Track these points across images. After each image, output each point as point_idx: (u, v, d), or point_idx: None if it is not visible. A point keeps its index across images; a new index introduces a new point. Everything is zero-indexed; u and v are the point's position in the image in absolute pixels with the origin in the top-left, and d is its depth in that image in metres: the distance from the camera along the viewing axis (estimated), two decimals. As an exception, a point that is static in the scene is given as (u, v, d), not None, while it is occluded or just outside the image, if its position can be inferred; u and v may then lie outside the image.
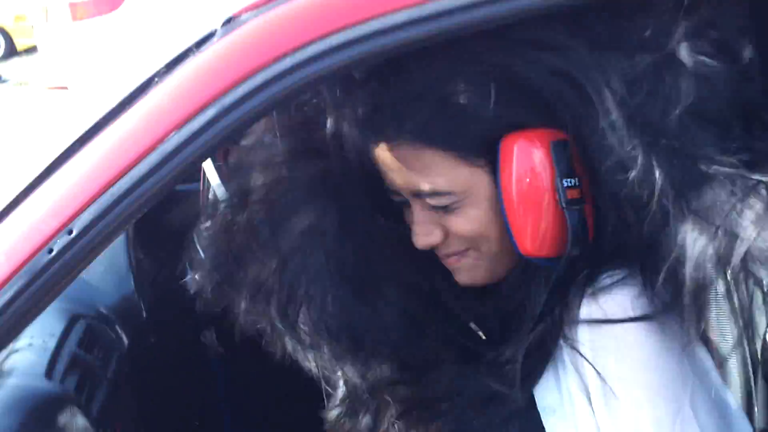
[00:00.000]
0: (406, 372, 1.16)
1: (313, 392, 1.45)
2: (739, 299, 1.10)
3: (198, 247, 2.06)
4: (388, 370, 1.16)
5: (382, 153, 1.06)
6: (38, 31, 5.84)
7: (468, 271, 1.10)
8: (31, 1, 6.50)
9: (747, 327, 1.14)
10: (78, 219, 0.96)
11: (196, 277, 1.20)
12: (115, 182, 0.96)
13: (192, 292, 1.21)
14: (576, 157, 0.99)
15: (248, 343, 2.29)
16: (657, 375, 0.96)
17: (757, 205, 0.89)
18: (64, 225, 0.96)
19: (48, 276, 0.96)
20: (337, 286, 1.12)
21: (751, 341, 1.18)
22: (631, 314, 0.95)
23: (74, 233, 0.96)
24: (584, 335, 0.96)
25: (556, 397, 1.02)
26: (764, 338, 1.16)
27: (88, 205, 0.96)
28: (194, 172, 2.76)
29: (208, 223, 2.10)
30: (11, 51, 13.15)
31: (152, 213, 2.32)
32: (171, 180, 0.97)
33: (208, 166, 1.93)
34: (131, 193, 0.96)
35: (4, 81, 8.84)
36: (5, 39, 13.26)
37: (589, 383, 0.97)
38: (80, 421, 1.52)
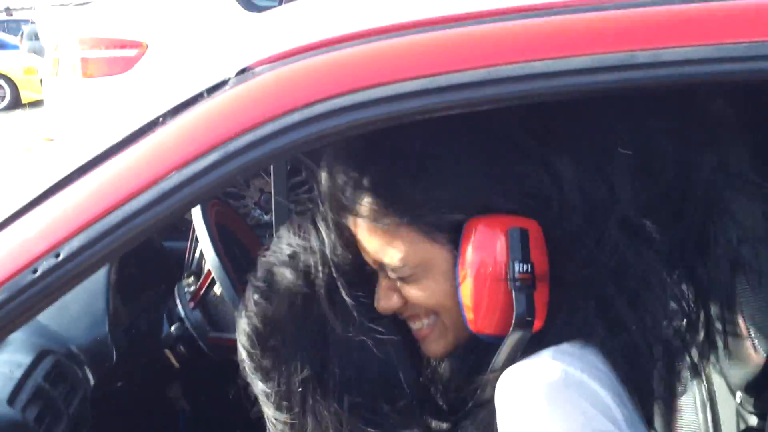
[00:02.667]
0: None
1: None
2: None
3: (179, 301, 2.07)
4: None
5: (354, 223, 1.10)
6: (46, 84, 5.86)
7: (435, 341, 1.13)
8: (45, 54, 6.56)
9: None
10: (67, 244, 0.97)
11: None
12: (110, 213, 0.97)
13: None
14: (536, 243, 1.02)
15: (214, 401, 2.27)
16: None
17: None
18: (53, 248, 0.97)
19: (29, 295, 0.96)
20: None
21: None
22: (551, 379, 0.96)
23: (61, 257, 0.96)
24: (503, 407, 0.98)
25: None
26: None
27: (79, 232, 0.97)
28: (184, 230, 2.79)
29: (191, 280, 2.12)
30: (16, 103, 13.22)
31: (137, 264, 2.32)
32: (165, 218, 0.98)
33: (199, 225, 1.95)
34: (123, 225, 0.97)
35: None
36: (11, 90, 13.34)
37: None
38: (35, 453, 1.50)
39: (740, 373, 1.22)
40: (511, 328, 1.01)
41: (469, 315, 1.04)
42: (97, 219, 0.97)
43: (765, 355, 1.17)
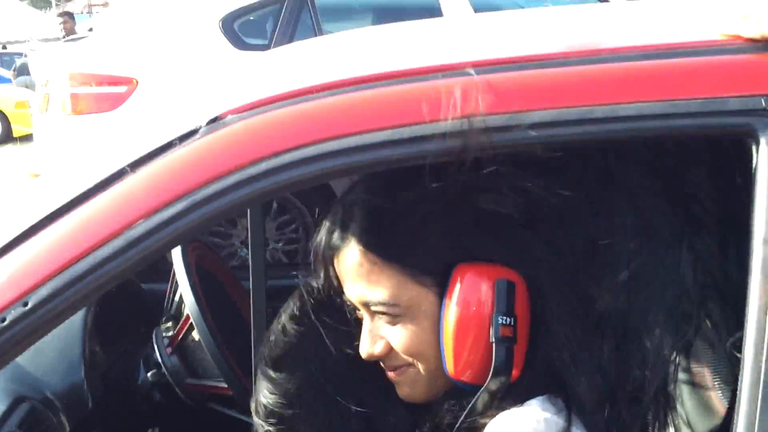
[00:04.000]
0: None
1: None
2: None
3: (156, 346, 2.07)
4: None
5: (341, 262, 1.12)
6: (36, 120, 5.87)
7: (408, 385, 1.14)
8: (36, 89, 6.58)
9: None
10: (35, 293, 0.97)
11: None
12: (78, 261, 0.98)
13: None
14: (521, 297, 1.04)
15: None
16: None
17: None
18: (21, 296, 0.97)
19: (-4, 344, 0.97)
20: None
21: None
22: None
23: (29, 305, 0.97)
24: None
25: None
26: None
27: (48, 280, 0.98)
28: (164, 272, 2.78)
29: (169, 324, 2.11)
30: (7, 137, 13.25)
31: (115, 306, 2.32)
32: (132, 266, 0.99)
33: (179, 269, 1.96)
34: (91, 273, 0.97)
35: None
36: (3, 124, 13.38)
37: None
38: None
39: (706, 423, 1.23)
40: (489, 378, 1.03)
41: (449, 360, 1.05)
42: (65, 267, 0.98)
43: (728, 405, 1.18)
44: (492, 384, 1.03)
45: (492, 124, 0.93)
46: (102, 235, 0.97)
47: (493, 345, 1.02)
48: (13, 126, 13.27)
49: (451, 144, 0.95)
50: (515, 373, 1.03)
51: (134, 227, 0.97)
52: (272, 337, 1.23)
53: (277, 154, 0.98)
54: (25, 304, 0.97)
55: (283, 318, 1.23)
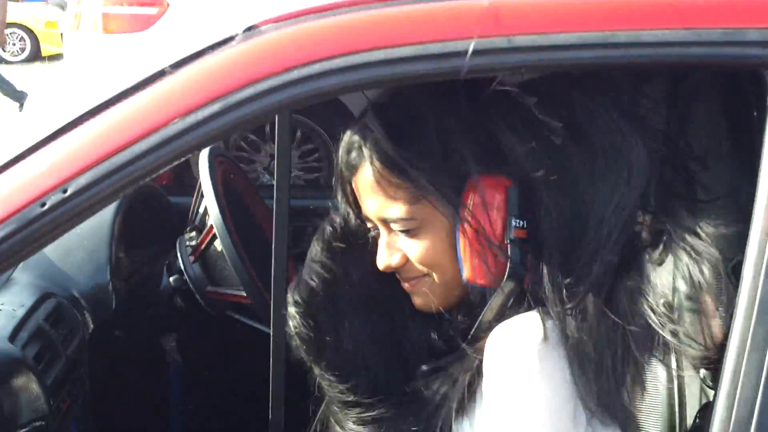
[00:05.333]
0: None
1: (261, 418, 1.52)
2: None
3: (179, 254, 2.13)
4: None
5: (360, 180, 1.17)
6: (66, 38, 5.88)
7: (424, 295, 1.20)
8: (67, 9, 6.56)
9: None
10: (74, 180, 1.02)
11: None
12: (116, 153, 1.03)
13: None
14: (528, 205, 1.09)
15: (205, 355, 2.33)
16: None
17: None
18: (61, 183, 1.03)
19: (36, 227, 1.02)
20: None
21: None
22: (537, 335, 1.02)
23: (69, 192, 1.02)
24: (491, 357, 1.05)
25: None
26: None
27: (86, 170, 1.03)
28: (188, 186, 2.84)
29: (193, 234, 2.17)
30: (36, 56, 13.28)
31: (142, 216, 2.38)
32: (166, 162, 1.04)
33: (205, 181, 2.00)
34: (128, 166, 1.02)
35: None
36: (32, 43, 13.40)
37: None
38: (34, 387, 1.57)
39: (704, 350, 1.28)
40: (505, 279, 1.08)
41: (466, 265, 1.10)
42: (103, 159, 1.02)
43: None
44: (507, 284, 1.08)
45: (516, 44, 0.97)
46: (140, 131, 1.02)
47: (509, 246, 1.07)
48: (42, 45, 13.29)
49: (476, 62, 0.98)
50: (527, 279, 1.08)
51: (170, 125, 1.02)
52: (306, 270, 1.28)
53: (308, 63, 1.02)
54: (65, 191, 1.02)
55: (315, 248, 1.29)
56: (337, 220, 1.28)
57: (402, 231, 1.16)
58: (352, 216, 1.27)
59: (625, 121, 1.07)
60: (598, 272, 1.05)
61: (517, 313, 1.07)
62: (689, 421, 1.33)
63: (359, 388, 1.24)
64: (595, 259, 1.06)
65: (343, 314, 1.26)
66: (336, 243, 1.27)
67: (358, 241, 1.27)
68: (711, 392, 1.32)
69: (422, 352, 1.27)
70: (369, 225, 1.23)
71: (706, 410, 1.22)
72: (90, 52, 5.06)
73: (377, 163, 1.13)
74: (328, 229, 1.28)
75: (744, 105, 1.05)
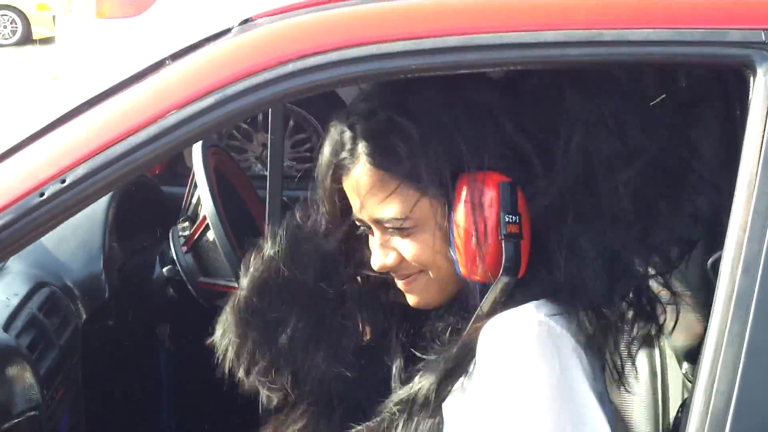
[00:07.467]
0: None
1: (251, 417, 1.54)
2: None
3: (172, 244, 2.14)
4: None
5: (351, 180, 1.17)
6: (59, 22, 5.86)
7: (419, 292, 1.21)
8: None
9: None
10: (72, 171, 1.05)
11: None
12: (113, 144, 1.05)
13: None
14: (521, 200, 1.11)
15: (197, 345, 2.35)
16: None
17: None
18: (59, 174, 1.05)
19: (35, 216, 1.04)
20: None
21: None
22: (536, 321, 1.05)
23: (67, 182, 1.04)
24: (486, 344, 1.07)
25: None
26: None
27: (84, 161, 1.05)
28: (181, 176, 2.84)
29: (186, 224, 2.18)
30: (27, 39, 13.22)
31: (135, 206, 2.39)
32: (162, 154, 1.06)
33: (198, 171, 2.01)
34: (125, 156, 1.05)
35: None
36: (23, 25, 13.34)
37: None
38: (28, 376, 1.58)
39: (685, 344, 1.31)
40: (500, 274, 1.10)
41: (461, 261, 1.12)
42: (101, 149, 1.05)
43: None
44: (502, 279, 1.10)
45: (508, 41, 0.99)
46: (137, 122, 1.04)
47: (503, 242, 1.10)
48: (33, 28, 13.22)
49: (469, 58, 1.01)
50: (521, 272, 1.10)
51: (167, 117, 1.04)
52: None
53: (303, 57, 1.04)
54: (63, 181, 1.04)
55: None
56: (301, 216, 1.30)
57: (396, 230, 1.16)
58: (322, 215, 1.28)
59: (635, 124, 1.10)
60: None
61: (511, 306, 1.09)
62: (672, 414, 1.35)
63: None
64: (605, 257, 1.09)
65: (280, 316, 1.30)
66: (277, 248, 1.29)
67: (315, 241, 1.29)
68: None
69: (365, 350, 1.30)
70: (360, 225, 1.23)
71: (686, 405, 1.24)
72: (83, 37, 5.04)
73: (372, 165, 1.14)
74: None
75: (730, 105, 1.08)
